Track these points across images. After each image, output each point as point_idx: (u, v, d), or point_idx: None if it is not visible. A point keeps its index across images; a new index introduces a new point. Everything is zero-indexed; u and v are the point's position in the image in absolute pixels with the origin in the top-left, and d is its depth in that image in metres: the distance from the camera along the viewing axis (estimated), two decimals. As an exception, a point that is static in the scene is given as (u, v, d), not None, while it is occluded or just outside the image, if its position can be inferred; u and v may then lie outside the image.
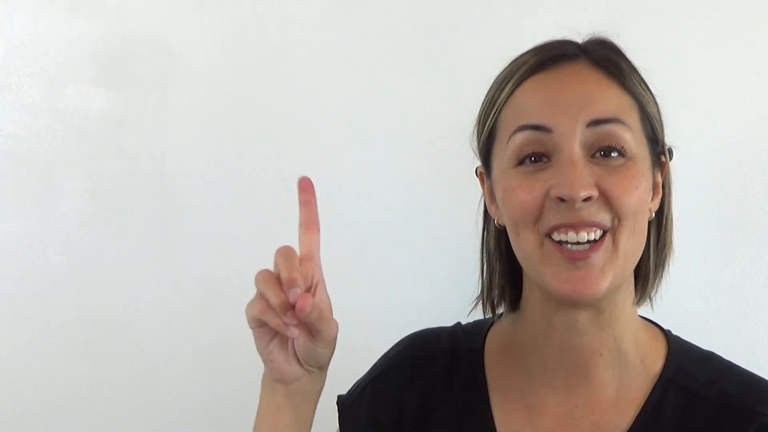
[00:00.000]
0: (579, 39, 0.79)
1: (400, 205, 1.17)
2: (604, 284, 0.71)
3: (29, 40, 1.17)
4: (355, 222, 1.17)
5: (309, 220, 0.72)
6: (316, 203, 0.72)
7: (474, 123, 0.83)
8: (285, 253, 0.69)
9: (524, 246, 0.74)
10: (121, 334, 1.19)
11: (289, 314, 0.66)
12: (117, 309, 1.19)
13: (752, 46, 1.12)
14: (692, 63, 1.12)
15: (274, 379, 0.74)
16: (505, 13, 1.14)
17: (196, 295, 1.19)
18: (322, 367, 0.75)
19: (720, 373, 0.78)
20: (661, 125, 0.78)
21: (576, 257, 0.71)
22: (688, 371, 0.78)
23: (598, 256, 0.71)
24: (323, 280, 0.72)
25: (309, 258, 0.70)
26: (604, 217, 0.71)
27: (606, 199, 0.71)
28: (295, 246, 0.71)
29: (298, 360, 0.72)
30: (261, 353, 0.72)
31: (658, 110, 0.78)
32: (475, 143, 0.83)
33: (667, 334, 0.83)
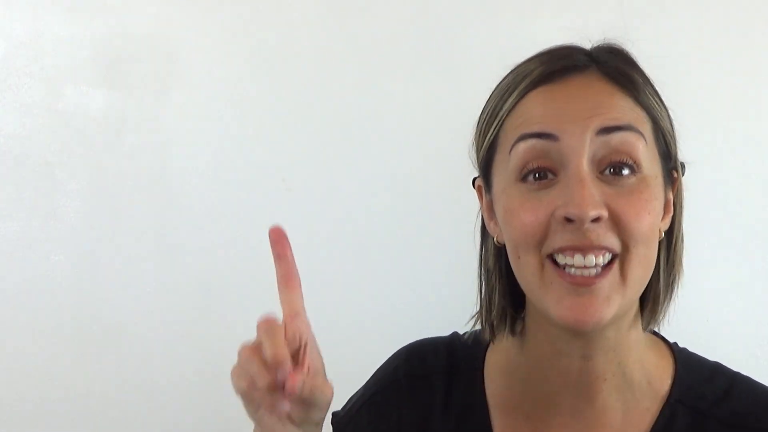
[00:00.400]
0: (588, 45, 0.74)
1: (401, 206, 1.17)
2: (609, 313, 0.67)
3: (29, 40, 1.17)
4: (354, 224, 1.17)
5: (287, 276, 0.64)
6: (292, 255, 0.65)
7: (473, 133, 0.78)
8: (267, 327, 0.61)
9: (525, 270, 0.70)
10: (121, 334, 1.19)
11: (278, 393, 0.60)
12: (117, 309, 1.19)
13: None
14: (707, 68, 1.11)
15: None
16: (510, 14, 1.14)
17: (195, 294, 1.19)
18: (318, 424, 0.68)
19: (729, 389, 0.76)
20: (674, 140, 0.74)
21: (580, 283, 0.66)
22: (697, 390, 0.75)
23: (604, 284, 0.66)
24: (313, 337, 0.65)
25: (294, 316, 0.63)
26: (613, 241, 0.66)
27: (615, 222, 0.66)
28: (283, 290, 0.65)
29: (291, 421, 0.64)
30: (251, 417, 0.65)
31: (671, 124, 0.73)
32: (474, 155, 0.78)
33: (673, 349, 0.80)
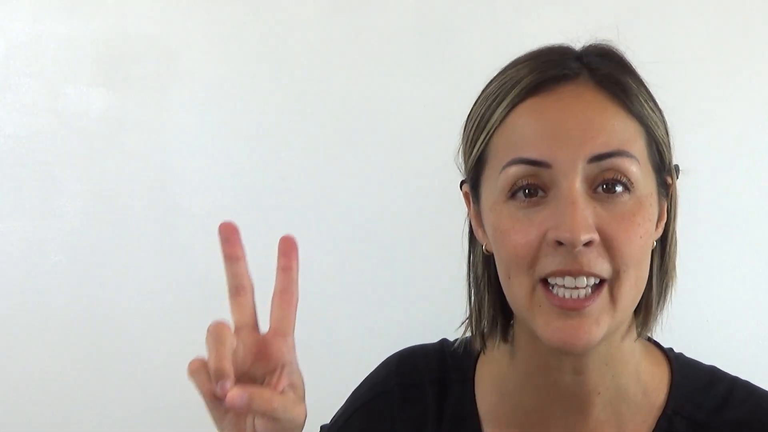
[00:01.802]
0: (578, 44, 0.72)
1: (401, 206, 1.17)
2: (598, 334, 0.65)
3: (29, 40, 1.17)
4: (354, 224, 1.17)
5: (286, 290, 0.61)
6: (297, 270, 0.61)
7: (460, 137, 0.75)
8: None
9: (515, 291, 0.68)
10: (121, 333, 1.19)
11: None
12: (117, 309, 1.19)
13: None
14: (703, 70, 1.11)
15: None
16: (505, 13, 1.14)
17: (195, 294, 1.19)
18: None
19: (728, 396, 0.74)
20: (669, 147, 0.72)
21: (569, 307, 0.65)
22: (694, 400, 0.74)
23: (594, 307, 0.65)
24: (294, 361, 0.61)
25: (281, 335, 0.60)
26: (604, 267, 0.65)
27: (607, 247, 0.65)
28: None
29: None
30: (216, 426, 0.61)
31: (666, 131, 0.71)
32: (462, 163, 0.76)
33: (669, 356, 0.78)
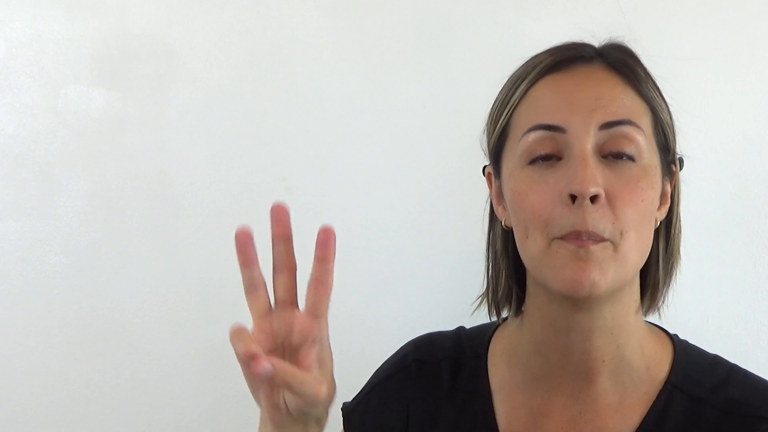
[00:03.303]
0: (595, 42, 0.80)
1: (401, 206, 1.17)
2: (602, 280, 0.70)
3: (29, 40, 1.17)
4: (354, 223, 1.17)
5: (321, 280, 0.66)
6: (333, 260, 0.65)
7: (485, 122, 0.82)
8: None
9: (532, 248, 0.73)
10: (121, 334, 1.19)
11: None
12: (117, 309, 1.19)
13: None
14: (707, 69, 1.11)
15: (267, 419, 0.69)
16: (507, 14, 1.14)
17: (195, 294, 1.19)
18: (319, 421, 0.70)
19: (726, 378, 0.77)
20: (674, 134, 0.78)
21: (580, 245, 0.70)
22: (694, 378, 0.77)
23: (598, 251, 0.70)
24: (326, 341, 0.67)
25: (314, 316, 0.66)
26: (607, 228, 0.70)
27: (611, 206, 0.71)
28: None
29: (288, 411, 0.67)
30: (252, 394, 0.68)
31: (671, 118, 0.78)
32: (486, 142, 0.83)
33: (673, 339, 0.82)
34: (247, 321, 0.97)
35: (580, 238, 0.69)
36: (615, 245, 0.70)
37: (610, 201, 0.71)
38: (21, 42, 1.17)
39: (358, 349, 1.12)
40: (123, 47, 1.17)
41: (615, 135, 0.72)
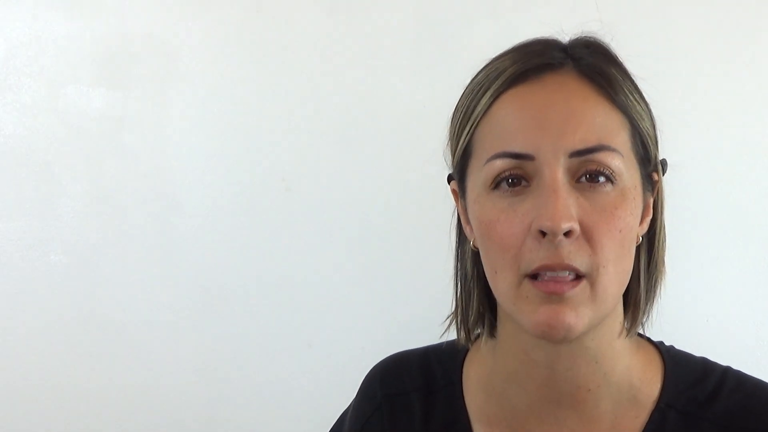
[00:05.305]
0: (565, 38, 0.72)
1: (401, 206, 1.17)
2: (578, 323, 0.65)
3: (29, 40, 1.17)
4: (354, 223, 1.17)
5: None
6: None
7: (446, 131, 0.76)
8: None
9: (501, 285, 0.68)
10: (121, 334, 1.19)
11: None
12: (117, 309, 1.19)
13: (754, 46, 1.11)
14: (689, 63, 1.11)
15: None
16: (505, 12, 1.14)
17: (195, 294, 1.19)
18: None
19: (719, 385, 0.74)
20: (655, 141, 0.71)
21: (552, 290, 0.64)
22: (687, 392, 0.73)
23: (573, 294, 0.65)
24: None
25: None
26: (583, 261, 0.64)
27: (587, 238, 0.65)
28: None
29: None
30: None
31: (651, 123, 0.71)
32: (449, 157, 0.76)
33: (661, 351, 0.77)
34: (246, 321, 0.97)
35: (553, 270, 0.64)
36: (592, 282, 0.65)
37: (586, 232, 0.65)
38: (21, 42, 1.17)
39: (358, 349, 1.12)
40: (123, 47, 1.17)
41: (587, 162, 0.65)
